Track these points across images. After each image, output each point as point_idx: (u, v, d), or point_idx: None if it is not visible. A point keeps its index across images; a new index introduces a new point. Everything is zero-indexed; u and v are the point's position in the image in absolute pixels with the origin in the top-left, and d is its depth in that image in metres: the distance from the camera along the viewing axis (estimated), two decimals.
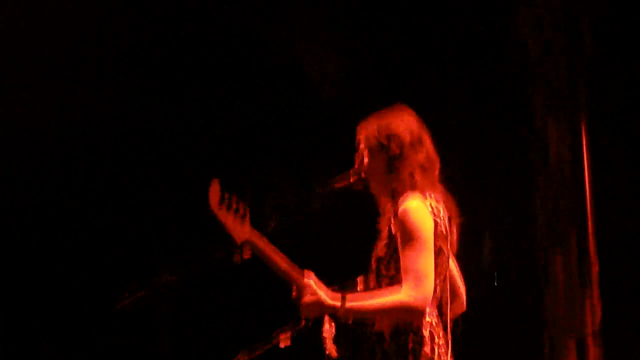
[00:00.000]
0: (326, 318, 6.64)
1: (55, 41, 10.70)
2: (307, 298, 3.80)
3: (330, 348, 6.99)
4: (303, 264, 4.06)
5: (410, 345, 3.84)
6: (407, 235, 3.85)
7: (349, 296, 3.92)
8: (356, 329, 3.99)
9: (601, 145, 9.99)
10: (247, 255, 3.82)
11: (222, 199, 3.60)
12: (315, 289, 3.81)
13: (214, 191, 3.60)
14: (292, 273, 3.84)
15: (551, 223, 10.79)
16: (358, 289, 4.10)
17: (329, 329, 7.00)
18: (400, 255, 3.86)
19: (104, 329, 12.25)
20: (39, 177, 11.78)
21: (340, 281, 4.17)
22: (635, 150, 10.56)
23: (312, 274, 3.85)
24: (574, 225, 10.31)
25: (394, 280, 3.89)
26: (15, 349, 12.48)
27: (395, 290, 3.85)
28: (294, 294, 3.88)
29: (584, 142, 9.70)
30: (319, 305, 3.83)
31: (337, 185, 4.12)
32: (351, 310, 3.87)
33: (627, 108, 10.59)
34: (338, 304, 3.85)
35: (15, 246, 11.95)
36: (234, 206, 3.64)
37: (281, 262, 3.81)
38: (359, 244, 4.33)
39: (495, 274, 11.57)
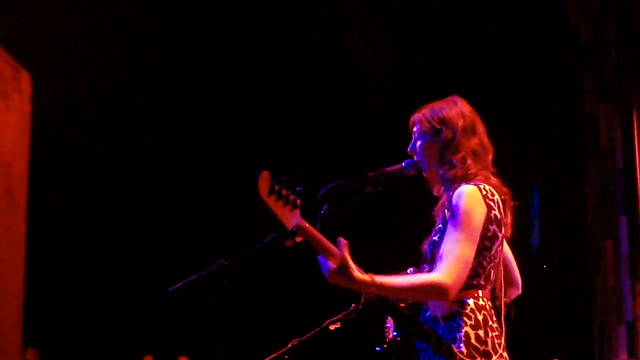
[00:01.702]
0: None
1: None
2: (337, 267, 3.78)
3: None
4: (355, 251, 4.08)
5: (464, 329, 3.85)
6: (456, 218, 3.87)
7: (379, 276, 3.92)
8: (410, 314, 4.02)
9: None
10: (299, 239, 3.85)
11: (272, 189, 3.63)
12: (347, 258, 3.81)
13: (264, 181, 3.62)
14: (332, 249, 3.84)
15: (601, 210, 10.76)
16: None
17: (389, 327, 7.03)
18: (446, 238, 3.87)
19: (157, 312, 12.41)
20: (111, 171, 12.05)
21: (391, 272, 4.18)
22: None
23: (345, 245, 3.83)
24: (624, 212, 10.26)
25: None
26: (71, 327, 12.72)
27: (428, 273, 3.87)
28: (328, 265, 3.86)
29: (635, 128, 9.64)
30: (348, 275, 3.81)
31: (390, 170, 4.14)
32: (380, 286, 3.85)
33: None
34: (367, 278, 3.84)
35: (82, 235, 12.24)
36: (284, 195, 3.66)
37: (330, 247, 3.83)
38: (411, 231, 4.36)
39: (546, 260, 11.56)
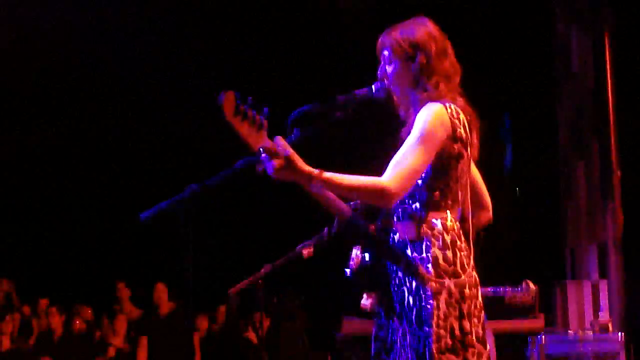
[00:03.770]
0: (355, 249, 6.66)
1: None
2: (280, 161, 3.74)
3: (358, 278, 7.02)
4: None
5: (433, 250, 3.86)
6: (416, 130, 3.84)
7: (327, 172, 3.87)
8: (380, 237, 4.02)
9: (624, 54, 9.93)
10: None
11: (237, 110, 3.58)
12: (292, 151, 3.76)
13: (229, 101, 3.57)
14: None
15: (574, 132, 10.80)
16: None
17: (357, 255, 7.04)
18: (402, 147, 3.85)
19: (130, 238, 12.45)
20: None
21: None
22: None
23: (282, 139, 3.78)
24: (596, 135, 10.31)
25: (415, 186, 3.90)
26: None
27: (375, 177, 3.85)
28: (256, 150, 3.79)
29: (607, 52, 9.65)
30: (293, 168, 3.77)
31: (359, 94, 4.11)
32: (326, 180, 3.80)
33: None
34: (314, 171, 3.81)
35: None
36: (250, 116, 3.62)
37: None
38: (380, 155, 4.35)
39: (518, 182, 11.63)
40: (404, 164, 3.85)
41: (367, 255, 4.13)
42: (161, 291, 11.35)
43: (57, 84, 12.12)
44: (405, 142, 3.91)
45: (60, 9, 10.93)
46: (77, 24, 11.20)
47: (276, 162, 3.69)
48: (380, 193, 3.82)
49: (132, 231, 10.46)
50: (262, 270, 6.35)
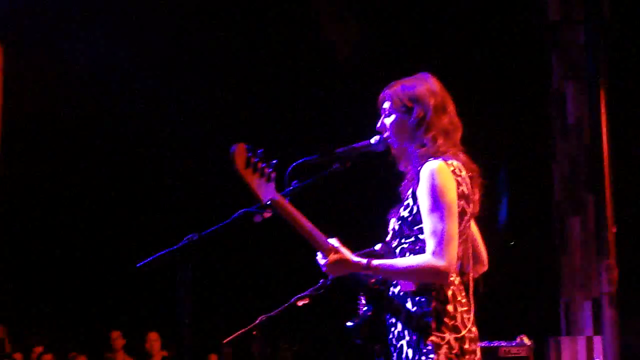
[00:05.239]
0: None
1: None
2: (332, 257, 3.82)
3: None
4: (322, 227, 4.09)
5: (434, 304, 3.86)
6: (432, 197, 3.85)
7: (374, 259, 3.94)
8: (380, 289, 4.03)
9: (620, 110, 9.98)
10: (267, 214, 3.86)
11: (248, 161, 3.63)
12: (339, 247, 3.84)
13: (240, 153, 3.62)
14: (316, 234, 3.86)
15: (569, 187, 10.83)
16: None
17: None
18: (426, 218, 3.85)
19: (126, 288, 12.42)
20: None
21: (358, 248, 4.19)
22: None
23: (335, 239, 3.88)
24: (592, 190, 10.33)
25: (417, 241, 3.90)
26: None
27: (421, 255, 3.86)
28: (319, 254, 3.89)
29: (603, 106, 9.70)
30: (344, 263, 3.85)
31: (358, 146, 4.14)
32: (376, 269, 3.88)
33: None
34: (363, 261, 3.87)
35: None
36: (260, 167, 3.67)
37: (305, 223, 3.84)
38: (379, 208, 4.37)
39: (513, 237, 11.63)
40: (439, 233, 3.87)
41: (367, 308, 4.15)
42: (153, 340, 11.33)
43: (53, 126, 12.14)
44: (426, 211, 3.92)
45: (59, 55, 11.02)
46: (73, 68, 11.26)
47: (329, 259, 3.80)
48: (434, 271, 3.86)
49: (128, 280, 10.43)
50: (259, 320, 6.35)
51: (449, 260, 3.85)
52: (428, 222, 3.89)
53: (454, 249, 3.88)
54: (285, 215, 3.79)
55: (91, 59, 11.04)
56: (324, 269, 3.85)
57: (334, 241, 3.86)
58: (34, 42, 10.78)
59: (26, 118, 11.47)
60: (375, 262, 3.88)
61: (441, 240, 3.85)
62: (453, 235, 3.89)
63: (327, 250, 3.82)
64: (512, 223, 11.60)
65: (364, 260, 3.86)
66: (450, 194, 3.93)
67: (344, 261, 3.83)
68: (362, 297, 4.22)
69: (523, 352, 7.64)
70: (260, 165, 3.68)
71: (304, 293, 5.88)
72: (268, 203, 3.75)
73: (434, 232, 3.87)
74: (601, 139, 9.69)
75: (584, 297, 10.46)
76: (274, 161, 3.74)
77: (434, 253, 3.85)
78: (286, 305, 6.05)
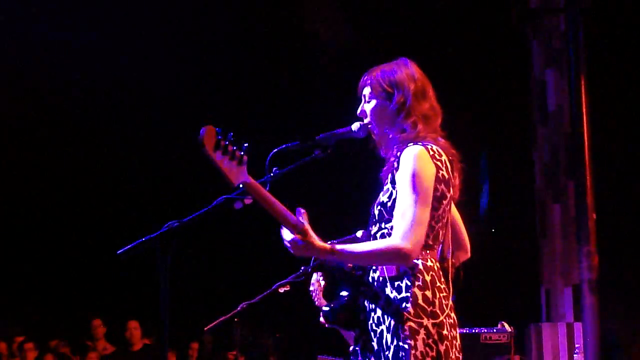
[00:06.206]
0: (316, 274, 6.64)
1: None
2: (298, 238, 3.79)
3: (320, 300, 7.04)
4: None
5: (412, 290, 3.86)
6: (409, 181, 3.86)
7: (339, 244, 3.92)
8: (359, 275, 4.03)
9: (600, 98, 10.00)
10: (248, 201, 3.84)
11: (217, 144, 3.59)
12: (308, 229, 3.81)
13: (209, 136, 3.58)
14: (288, 215, 3.83)
15: (550, 174, 10.86)
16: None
17: (317, 280, 7.05)
18: (399, 200, 3.86)
19: (106, 275, 12.39)
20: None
21: (339, 235, 4.18)
22: (635, 103, 10.60)
23: (305, 214, 3.84)
24: (572, 177, 10.35)
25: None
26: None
27: (387, 238, 3.87)
28: (284, 231, 3.85)
29: (583, 94, 9.71)
30: (309, 246, 3.81)
31: (339, 132, 4.13)
32: (340, 253, 3.85)
33: (628, 61, 10.61)
34: (327, 246, 3.84)
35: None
36: (230, 151, 3.63)
37: (278, 205, 3.81)
38: (359, 193, 4.37)
39: (494, 224, 11.67)
40: (408, 217, 3.88)
41: (344, 293, 4.14)
42: (134, 328, 11.30)
43: (35, 114, 12.09)
44: (400, 194, 3.94)
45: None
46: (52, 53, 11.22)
47: (294, 244, 3.76)
48: (398, 254, 3.86)
49: (109, 267, 10.40)
50: (240, 307, 6.36)
51: (414, 243, 3.86)
52: (400, 205, 3.90)
53: (420, 234, 3.89)
54: (257, 198, 3.76)
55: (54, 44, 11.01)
56: (287, 246, 3.82)
57: (303, 218, 3.82)
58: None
59: None
60: (339, 246, 3.86)
61: (409, 224, 3.86)
62: (422, 221, 3.90)
63: (297, 231, 3.78)
64: (493, 210, 11.63)
65: (328, 245, 3.84)
66: (427, 180, 3.94)
67: (309, 244, 3.80)
68: (316, 273, 4.22)
69: (504, 339, 7.66)
70: (230, 148, 3.63)
71: (285, 280, 5.89)
72: (240, 186, 3.72)
73: (404, 215, 3.88)
74: (582, 126, 9.69)
75: (565, 283, 10.50)
76: (245, 144, 3.69)
77: (400, 235, 3.85)
78: (267, 292, 6.06)
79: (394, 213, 3.93)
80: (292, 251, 3.82)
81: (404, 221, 3.88)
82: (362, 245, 3.94)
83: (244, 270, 12.25)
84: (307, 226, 3.81)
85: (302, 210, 3.83)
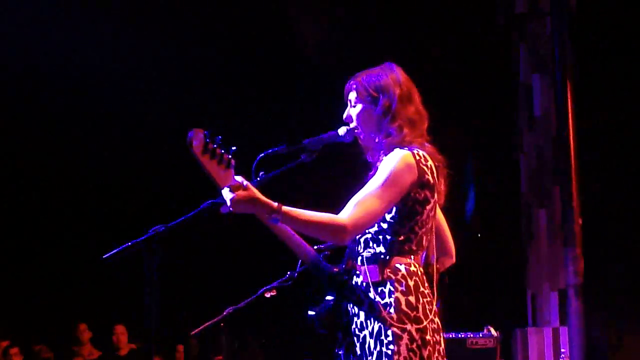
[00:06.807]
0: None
1: None
2: (241, 193, 3.74)
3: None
4: None
5: (395, 295, 3.86)
6: (382, 175, 3.87)
7: (287, 206, 3.87)
8: (343, 279, 4.02)
9: (586, 102, 10.03)
10: None
11: (205, 148, 3.59)
12: (248, 184, 3.76)
13: (198, 139, 3.58)
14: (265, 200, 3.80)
15: (535, 179, 10.88)
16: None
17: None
18: (365, 188, 3.87)
19: (92, 280, 12.36)
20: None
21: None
22: (621, 108, 10.63)
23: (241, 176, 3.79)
24: (558, 182, 10.37)
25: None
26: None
27: (332, 214, 3.87)
28: (225, 190, 3.77)
29: (569, 100, 9.74)
30: (252, 200, 3.76)
31: (325, 137, 4.13)
32: (285, 214, 3.80)
33: (613, 66, 10.64)
34: (274, 203, 3.81)
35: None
36: (218, 154, 3.62)
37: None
38: (346, 198, 4.37)
39: (480, 228, 11.68)
40: (365, 205, 3.88)
41: (330, 297, 4.13)
42: (120, 332, 11.29)
43: (21, 117, 12.06)
44: (369, 183, 3.94)
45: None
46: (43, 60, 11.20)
47: (236, 194, 3.70)
48: (335, 229, 3.84)
49: (95, 272, 10.39)
50: (226, 312, 6.35)
51: (355, 227, 3.85)
52: (363, 191, 3.91)
53: (365, 225, 3.90)
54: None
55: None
56: (229, 204, 3.76)
57: (240, 178, 3.78)
58: None
59: None
60: (286, 207, 3.82)
61: (363, 212, 3.86)
62: (375, 216, 3.90)
63: (235, 187, 3.74)
64: (479, 214, 11.65)
65: (275, 203, 3.80)
66: (400, 184, 3.94)
67: (253, 199, 3.75)
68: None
69: (490, 343, 7.67)
70: (218, 151, 3.64)
71: (271, 285, 5.88)
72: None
73: (360, 202, 3.88)
74: (568, 130, 9.72)
75: (551, 288, 10.52)
76: (233, 148, 3.69)
77: (347, 215, 3.85)
78: (253, 297, 6.05)
79: (355, 196, 3.93)
80: (232, 208, 3.76)
81: (359, 207, 3.88)
82: (309, 213, 3.89)
83: (230, 275, 12.23)
84: (248, 183, 3.77)
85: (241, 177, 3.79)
